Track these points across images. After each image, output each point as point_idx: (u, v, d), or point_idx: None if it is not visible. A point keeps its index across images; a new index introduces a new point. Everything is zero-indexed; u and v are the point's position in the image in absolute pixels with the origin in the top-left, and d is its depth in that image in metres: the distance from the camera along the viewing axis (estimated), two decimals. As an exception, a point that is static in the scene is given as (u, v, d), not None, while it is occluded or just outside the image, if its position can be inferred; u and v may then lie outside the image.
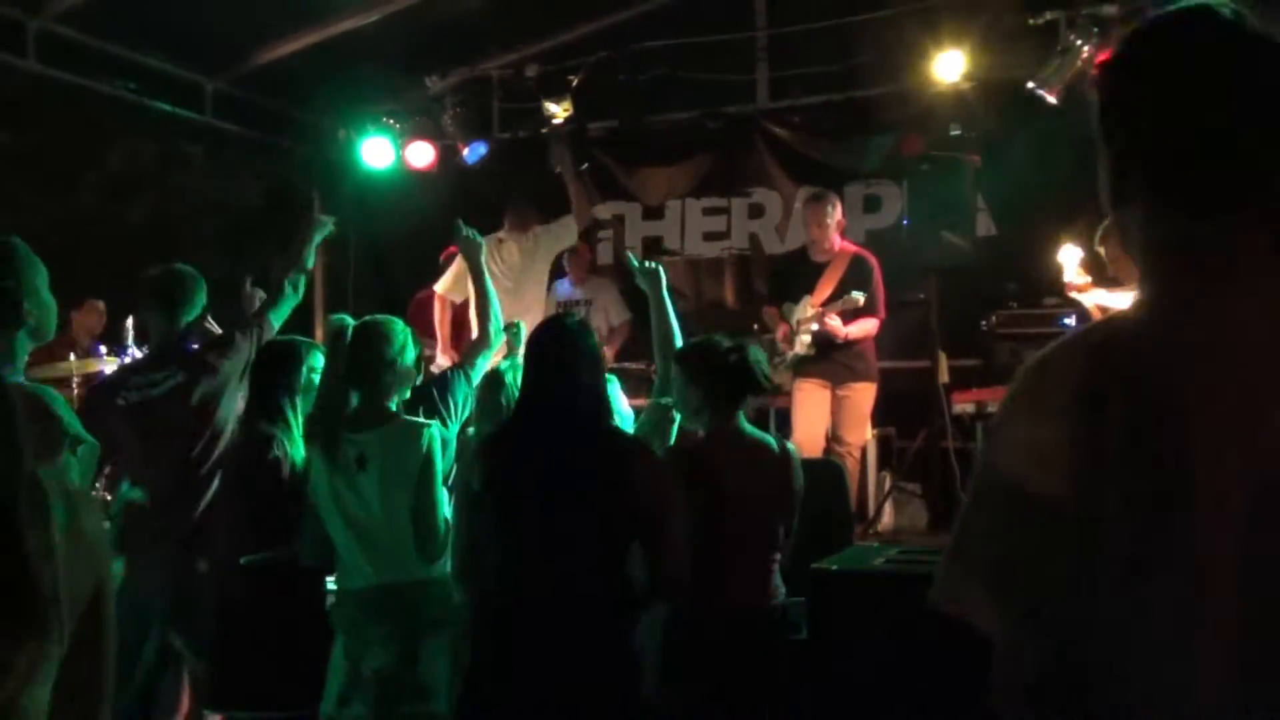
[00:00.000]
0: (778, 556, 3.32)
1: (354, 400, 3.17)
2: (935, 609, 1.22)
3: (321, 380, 3.29)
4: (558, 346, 2.94)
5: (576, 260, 7.73)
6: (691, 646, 3.17)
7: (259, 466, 3.34)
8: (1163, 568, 1.10)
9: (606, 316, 7.59)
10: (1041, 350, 1.22)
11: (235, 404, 3.67)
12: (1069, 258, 5.40)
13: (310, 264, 4.02)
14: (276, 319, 3.83)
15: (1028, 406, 1.18)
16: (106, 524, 1.71)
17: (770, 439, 3.42)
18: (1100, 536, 1.12)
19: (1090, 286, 5.53)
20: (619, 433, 3.11)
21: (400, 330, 3.27)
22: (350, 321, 3.24)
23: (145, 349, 4.06)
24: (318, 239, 4.07)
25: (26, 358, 2.45)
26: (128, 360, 5.12)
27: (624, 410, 3.68)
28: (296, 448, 3.37)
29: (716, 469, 3.21)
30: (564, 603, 2.75)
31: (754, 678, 3.22)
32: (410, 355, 3.27)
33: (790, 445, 3.46)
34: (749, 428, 3.36)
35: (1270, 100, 1.17)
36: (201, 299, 3.74)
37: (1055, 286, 5.77)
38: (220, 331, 3.98)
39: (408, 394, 3.33)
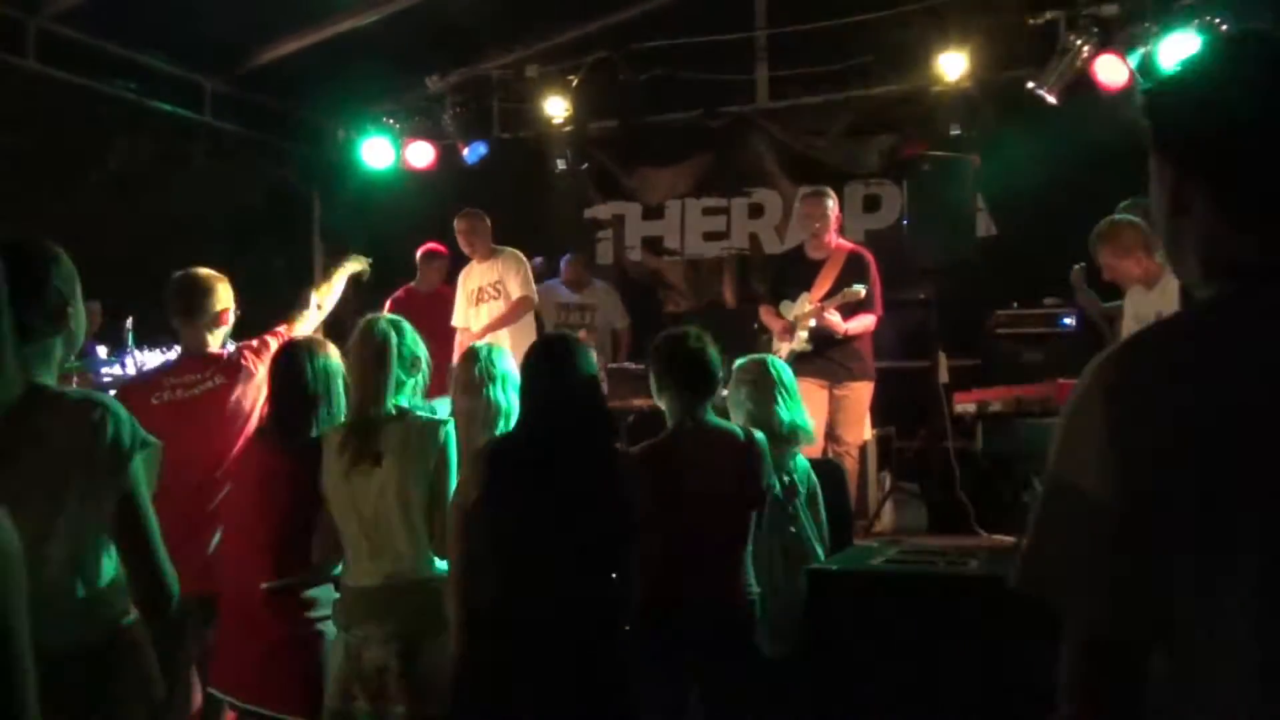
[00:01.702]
0: (748, 548, 3.33)
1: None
2: (1021, 592, 1.24)
3: (356, 377, 3.27)
4: (558, 364, 2.99)
5: (574, 266, 7.74)
6: (660, 640, 3.17)
7: (279, 482, 3.32)
8: (1208, 583, 1.12)
9: (609, 321, 7.64)
10: (1107, 350, 1.26)
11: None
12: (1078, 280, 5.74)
13: (339, 291, 4.32)
14: (300, 331, 3.92)
15: (1095, 407, 1.20)
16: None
17: (736, 428, 3.44)
18: (1157, 544, 1.14)
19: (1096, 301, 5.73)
20: (614, 450, 3.15)
21: (409, 328, 3.30)
22: (384, 321, 3.25)
23: (169, 349, 4.14)
24: (351, 269, 4.43)
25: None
26: (129, 360, 5.14)
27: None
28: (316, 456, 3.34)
29: (681, 463, 3.25)
30: (562, 616, 2.78)
31: (725, 670, 3.24)
32: (422, 353, 3.29)
33: (758, 434, 3.46)
34: (714, 419, 3.40)
35: None
36: (223, 298, 3.71)
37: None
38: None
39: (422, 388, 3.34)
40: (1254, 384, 1.15)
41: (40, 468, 1.99)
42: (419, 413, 3.22)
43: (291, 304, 4.05)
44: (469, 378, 3.45)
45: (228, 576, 3.34)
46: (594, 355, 3.12)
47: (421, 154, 8.04)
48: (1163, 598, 1.14)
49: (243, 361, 3.66)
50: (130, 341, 5.33)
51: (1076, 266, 5.73)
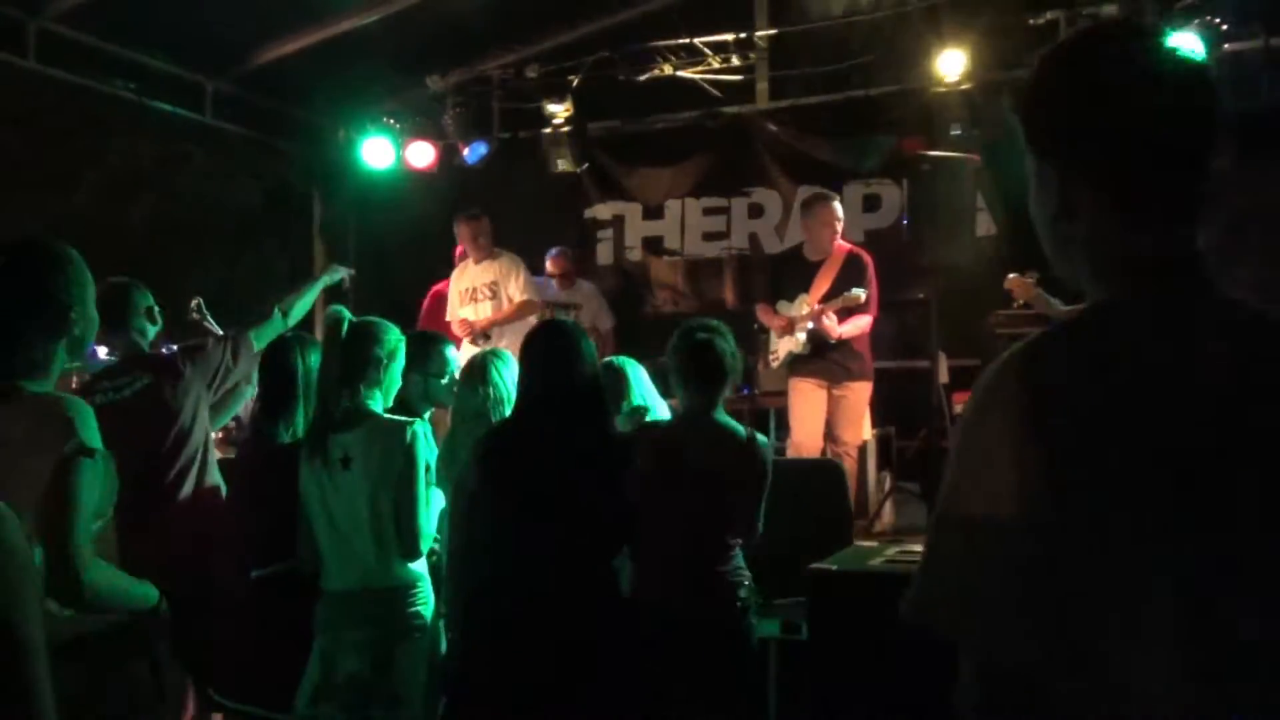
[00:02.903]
0: (737, 541, 3.33)
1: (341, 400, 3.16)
2: (911, 623, 1.19)
3: (318, 375, 3.27)
4: (555, 348, 2.98)
5: (560, 260, 7.69)
6: (648, 629, 3.15)
7: (267, 473, 3.33)
8: (1111, 580, 1.09)
9: (594, 322, 7.58)
10: (1005, 356, 1.23)
11: (203, 407, 3.68)
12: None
13: (310, 301, 4.23)
14: (258, 340, 3.84)
15: (995, 416, 1.18)
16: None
17: (739, 429, 3.45)
18: (1055, 551, 1.10)
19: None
20: (614, 434, 3.14)
21: (391, 333, 3.25)
22: (347, 314, 3.22)
23: (168, 349, 4.14)
24: (325, 281, 4.39)
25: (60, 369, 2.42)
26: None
27: (650, 397, 3.77)
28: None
29: (679, 450, 3.25)
30: (560, 599, 2.79)
31: (711, 660, 3.25)
32: (400, 358, 3.26)
33: (760, 437, 3.48)
34: (721, 417, 3.40)
35: (1200, 107, 1.21)
36: (140, 300, 3.74)
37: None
38: (219, 331, 3.99)
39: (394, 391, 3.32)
40: (1158, 385, 1.12)
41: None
42: (387, 415, 3.18)
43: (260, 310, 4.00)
44: (472, 389, 3.48)
45: (222, 571, 3.36)
46: (594, 343, 3.12)
47: (421, 154, 8.04)
48: (1074, 617, 1.09)
49: (175, 363, 3.68)
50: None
51: (1012, 276, 5.60)
